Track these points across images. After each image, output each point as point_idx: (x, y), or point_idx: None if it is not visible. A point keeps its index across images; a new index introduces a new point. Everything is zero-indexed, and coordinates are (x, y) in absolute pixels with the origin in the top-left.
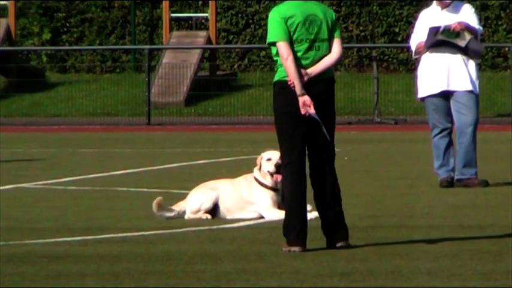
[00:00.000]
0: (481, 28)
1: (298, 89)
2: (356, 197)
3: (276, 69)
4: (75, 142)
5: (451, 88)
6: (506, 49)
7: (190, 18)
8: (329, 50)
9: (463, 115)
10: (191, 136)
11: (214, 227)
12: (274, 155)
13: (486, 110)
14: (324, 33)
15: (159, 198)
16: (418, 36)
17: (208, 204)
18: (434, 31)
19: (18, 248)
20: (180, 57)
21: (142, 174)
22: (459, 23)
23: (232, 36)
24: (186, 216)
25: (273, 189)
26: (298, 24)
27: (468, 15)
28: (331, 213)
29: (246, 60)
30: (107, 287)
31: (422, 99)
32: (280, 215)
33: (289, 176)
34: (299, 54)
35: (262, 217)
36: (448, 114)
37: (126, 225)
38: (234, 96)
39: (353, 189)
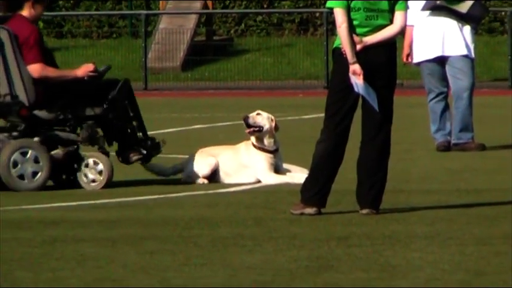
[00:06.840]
0: None
1: (349, 56)
2: (353, 161)
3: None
4: None
5: (446, 53)
6: (503, 13)
7: None
8: (390, 21)
9: (458, 80)
10: (188, 101)
11: (211, 191)
12: (250, 114)
13: (483, 74)
14: (384, 4)
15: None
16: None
17: (206, 170)
18: None
19: (14, 213)
20: (176, 22)
21: None
22: None
23: (228, 1)
24: (183, 180)
25: (270, 151)
26: None
27: None
28: (367, 179)
29: (243, 25)
30: (104, 252)
31: (418, 64)
32: (277, 179)
33: (327, 138)
34: (355, 22)
35: (259, 181)
36: (444, 78)
37: (122, 190)
38: (231, 61)
39: (350, 154)
